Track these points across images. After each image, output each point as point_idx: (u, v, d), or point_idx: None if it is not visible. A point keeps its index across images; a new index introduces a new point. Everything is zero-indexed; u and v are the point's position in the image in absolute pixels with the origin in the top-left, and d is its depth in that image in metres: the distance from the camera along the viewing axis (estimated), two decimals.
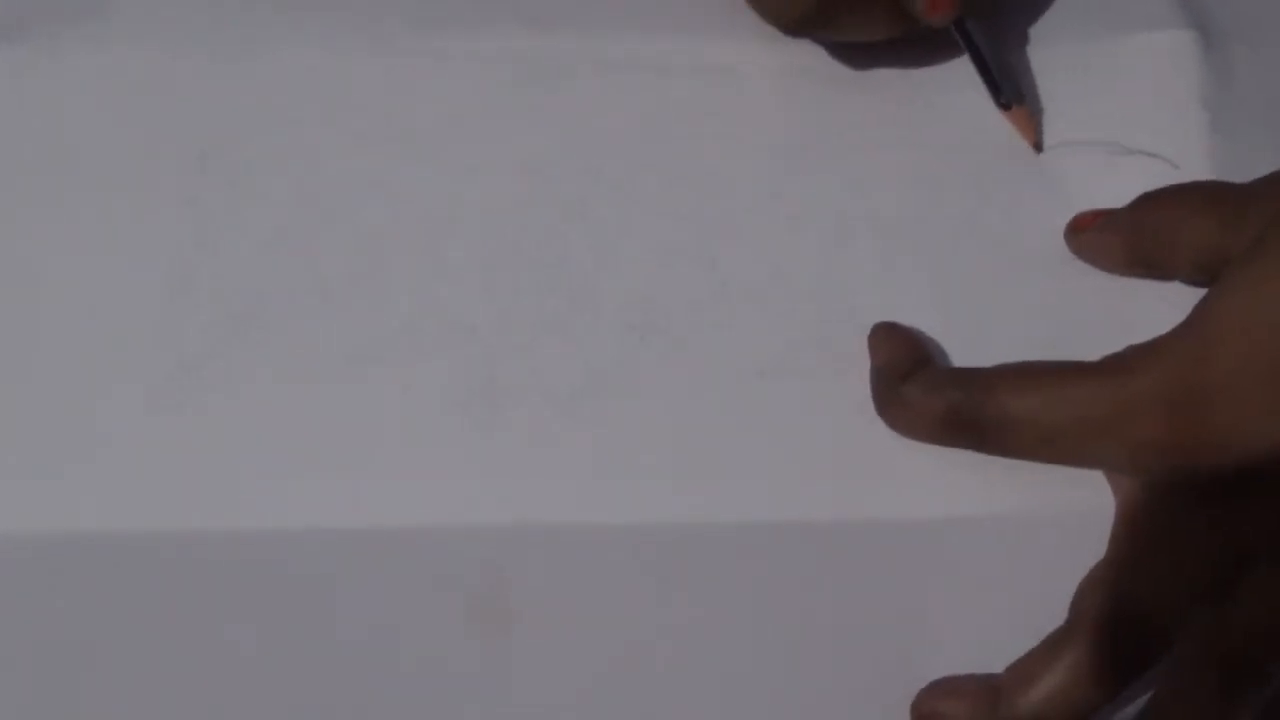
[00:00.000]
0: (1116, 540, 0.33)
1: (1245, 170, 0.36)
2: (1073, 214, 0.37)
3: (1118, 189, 0.37)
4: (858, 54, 0.40)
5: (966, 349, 0.36)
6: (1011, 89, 0.38)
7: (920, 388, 0.34)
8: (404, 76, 0.40)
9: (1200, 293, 0.33)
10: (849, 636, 0.35)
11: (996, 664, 0.33)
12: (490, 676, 0.34)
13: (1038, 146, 0.38)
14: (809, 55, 0.40)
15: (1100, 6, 0.40)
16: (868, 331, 0.37)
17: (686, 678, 0.34)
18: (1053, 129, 0.39)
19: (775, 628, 0.35)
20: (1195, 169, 0.38)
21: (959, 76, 0.39)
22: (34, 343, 0.37)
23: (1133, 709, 0.33)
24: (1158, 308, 0.35)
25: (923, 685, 0.34)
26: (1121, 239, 0.36)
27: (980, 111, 0.39)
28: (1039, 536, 0.35)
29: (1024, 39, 0.40)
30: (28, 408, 0.36)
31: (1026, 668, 0.32)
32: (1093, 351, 0.34)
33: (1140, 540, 0.33)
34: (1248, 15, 0.40)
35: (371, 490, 0.35)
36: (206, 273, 0.38)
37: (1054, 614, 0.33)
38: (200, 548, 0.35)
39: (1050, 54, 0.40)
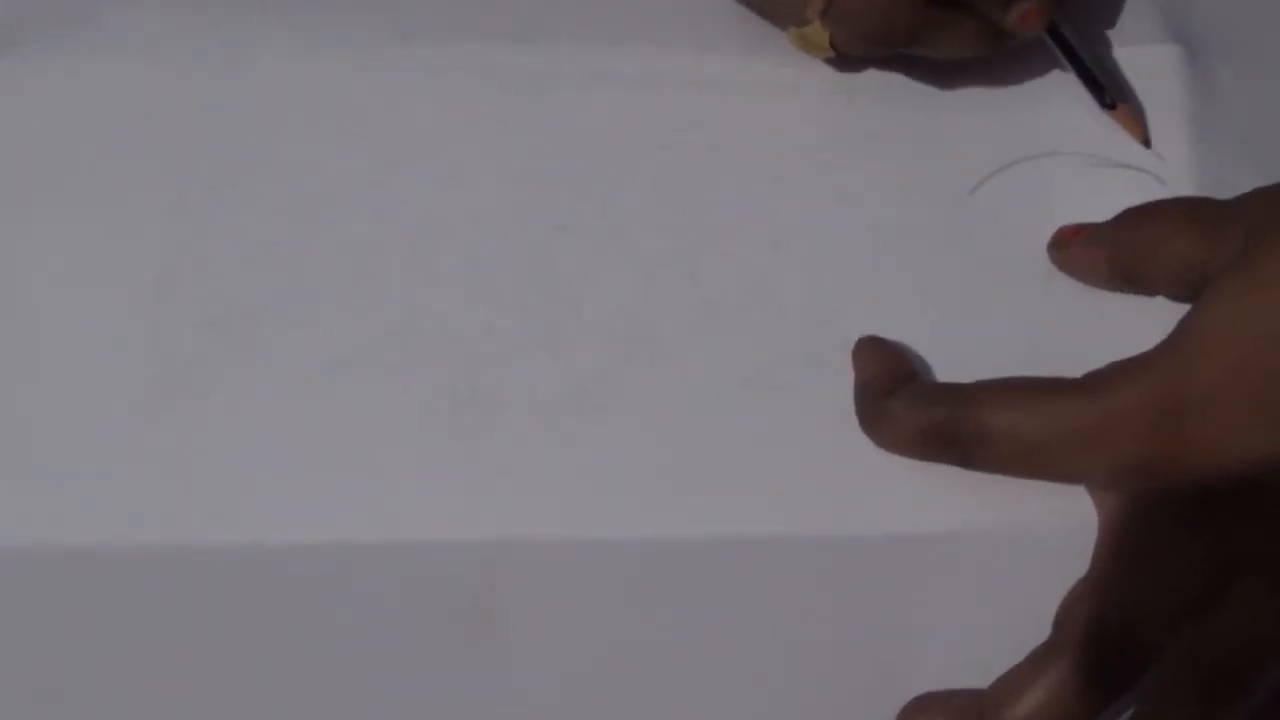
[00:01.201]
0: (1100, 555, 0.34)
1: (1228, 184, 0.36)
2: (1057, 227, 0.37)
3: (1102, 202, 0.37)
4: (851, 66, 0.40)
5: (951, 363, 0.36)
6: (1115, 87, 0.38)
7: (904, 403, 0.34)
8: (391, 88, 0.40)
9: (1183, 308, 0.34)
10: (833, 651, 0.35)
11: (982, 678, 0.33)
12: (477, 687, 0.34)
13: (1146, 142, 0.38)
14: (797, 70, 0.40)
15: (1087, 21, 0.40)
16: (852, 345, 0.37)
17: (671, 691, 0.35)
18: (1037, 141, 0.39)
19: (759, 641, 0.35)
20: (1179, 183, 0.38)
21: (941, 91, 0.39)
22: (20, 351, 0.37)
23: None
24: (1141, 323, 0.35)
25: (907, 700, 0.34)
26: (1104, 254, 0.36)
27: (964, 124, 0.39)
28: (1023, 551, 0.35)
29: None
30: (12, 418, 0.36)
31: (1011, 683, 0.32)
32: (1077, 366, 0.34)
33: (1123, 554, 0.33)
34: (1233, 31, 0.40)
35: (357, 501, 0.35)
36: (194, 281, 0.38)
37: (1039, 628, 0.33)
38: (182, 558, 0.35)
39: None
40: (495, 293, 0.37)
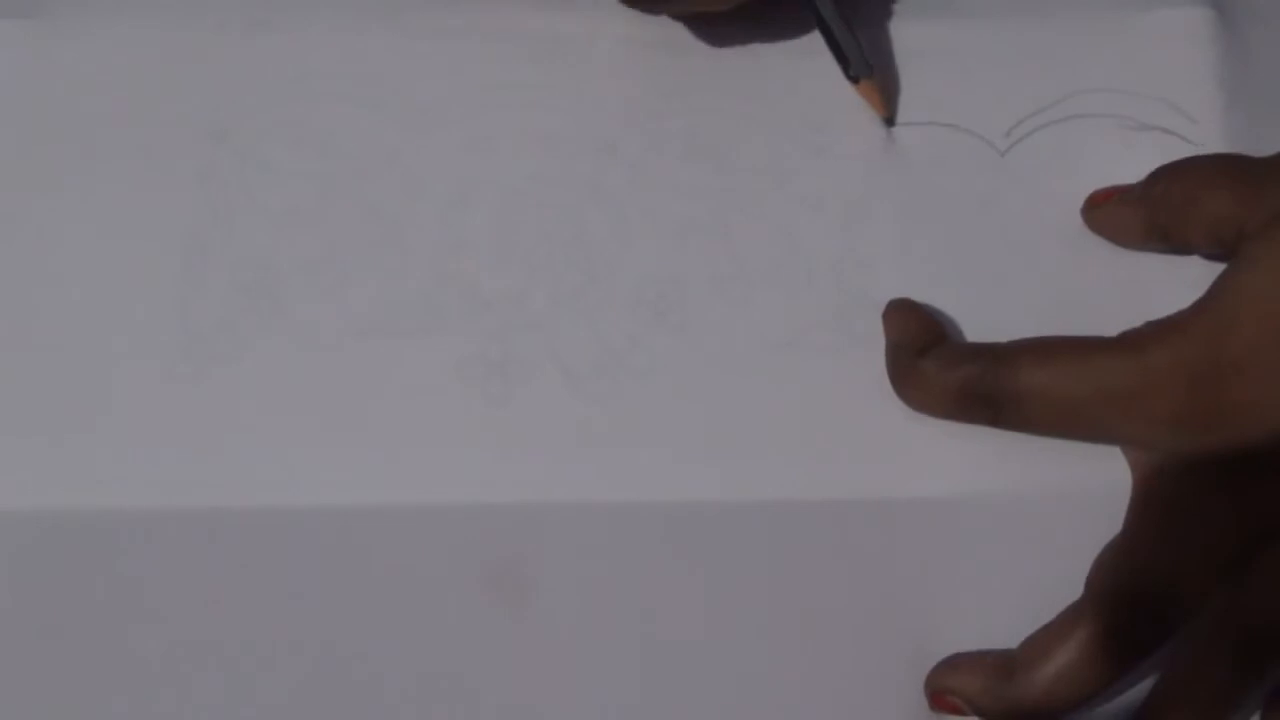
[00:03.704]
0: (1132, 516, 0.33)
1: (1260, 148, 0.36)
2: (1088, 190, 0.37)
3: (1133, 165, 0.37)
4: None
5: (982, 325, 0.36)
6: (860, 62, 0.38)
7: (937, 362, 0.34)
8: (417, 52, 0.40)
9: (1216, 268, 0.34)
10: (862, 613, 0.35)
11: (1011, 640, 0.33)
12: (506, 646, 0.35)
13: (889, 120, 0.38)
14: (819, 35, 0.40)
15: None
16: (883, 308, 0.37)
17: (697, 650, 0.35)
18: (1069, 103, 0.39)
19: (790, 603, 0.35)
20: (1210, 147, 0.38)
21: (967, 55, 0.39)
22: (50, 315, 0.37)
23: (1145, 686, 0.33)
24: (1174, 283, 0.35)
25: (936, 661, 0.34)
26: (1138, 211, 0.36)
27: (991, 88, 0.39)
28: (1054, 513, 0.35)
29: (1041, 11, 0.40)
30: (42, 381, 0.37)
31: (1040, 643, 0.32)
32: (1109, 327, 0.34)
33: (1156, 516, 0.33)
34: None
35: (387, 465, 0.36)
36: (222, 245, 0.38)
37: (1069, 590, 0.33)
38: (213, 521, 0.35)
39: (1068, 28, 0.40)
40: (525, 257, 0.38)
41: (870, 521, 0.35)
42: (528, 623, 0.35)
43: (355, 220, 0.38)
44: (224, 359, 0.37)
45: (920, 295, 0.37)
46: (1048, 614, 0.33)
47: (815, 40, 0.39)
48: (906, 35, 0.39)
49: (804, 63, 0.39)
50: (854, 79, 0.38)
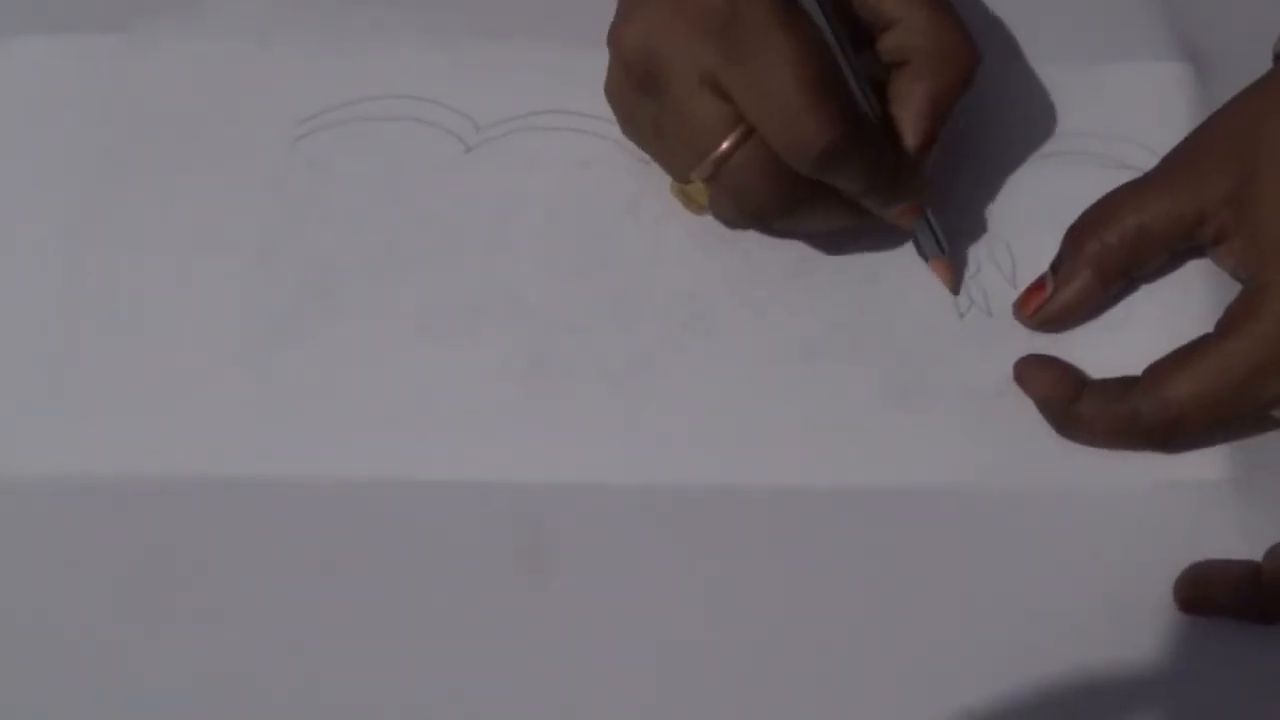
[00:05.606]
0: None
1: None
2: (1069, 220, 0.39)
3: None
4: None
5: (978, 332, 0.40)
6: (930, 243, 0.40)
7: (1093, 405, 0.37)
8: (475, 78, 0.42)
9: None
10: (859, 592, 0.37)
11: (1000, 633, 0.36)
12: (530, 612, 0.36)
13: (955, 290, 0.40)
14: None
15: (1104, 36, 0.43)
16: (888, 317, 0.39)
17: (707, 624, 0.36)
18: (1052, 141, 0.42)
19: (791, 584, 0.37)
20: None
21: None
22: (134, 302, 0.39)
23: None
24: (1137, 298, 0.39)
25: (937, 644, 0.36)
26: (1093, 271, 0.38)
27: (995, 107, 0.41)
28: (1035, 508, 0.37)
29: (1029, 60, 0.42)
30: (123, 359, 0.39)
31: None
32: (1088, 343, 0.38)
33: None
34: (1238, 52, 0.42)
35: (432, 447, 0.38)
36: (292, 247, 0.40)
37: (1068, 584, 0.36)
38: (271, 492, 0.37)
39: (1053, 75, 0.42)
40: (565, 267, 0.40)
41: (865, 507, 0.37)
42: (551, 587, 0.36)
43: (412, 228, 0.40)
44: (289, 345, 0.39)
45: (923, 305, 0.39)
46: (1047, 606, 0.36)
47: None
48: None
49: None
50: (925, 257, 0.40)
